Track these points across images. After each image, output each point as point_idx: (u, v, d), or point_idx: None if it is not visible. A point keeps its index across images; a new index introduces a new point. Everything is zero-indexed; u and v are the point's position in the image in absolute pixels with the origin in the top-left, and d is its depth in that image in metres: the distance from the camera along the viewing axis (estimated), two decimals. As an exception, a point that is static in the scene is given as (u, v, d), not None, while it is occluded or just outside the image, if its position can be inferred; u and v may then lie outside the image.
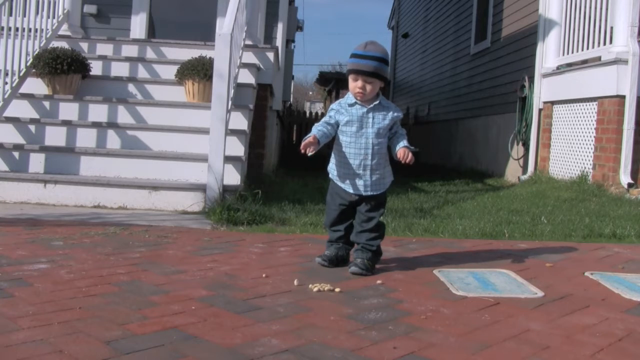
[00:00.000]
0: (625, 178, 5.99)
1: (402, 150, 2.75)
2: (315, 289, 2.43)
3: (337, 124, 2.79)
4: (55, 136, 5.15)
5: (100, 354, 1.71)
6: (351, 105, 2.78)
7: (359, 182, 2.80)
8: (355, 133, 2.76)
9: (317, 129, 2.74)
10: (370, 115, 2.77)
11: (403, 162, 2.73)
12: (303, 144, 2.64)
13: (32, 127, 5.20)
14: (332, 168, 2.88)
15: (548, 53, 7.52)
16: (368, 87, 2.73)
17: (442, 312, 2.21)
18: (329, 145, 2.86)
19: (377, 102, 2.79)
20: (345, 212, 2.86)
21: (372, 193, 2.81)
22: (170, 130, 5.14)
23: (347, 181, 2.81)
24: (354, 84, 2.74)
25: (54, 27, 6.37)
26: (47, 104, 5.54)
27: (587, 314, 2.25)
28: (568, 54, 7.15)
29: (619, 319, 2.21)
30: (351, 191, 2.81)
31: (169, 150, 5.04)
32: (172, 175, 4.72)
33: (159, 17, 8.08)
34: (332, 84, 23.36)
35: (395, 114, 2.82)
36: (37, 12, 5.89)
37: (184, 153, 4.92)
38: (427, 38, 14.67)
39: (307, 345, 1.84)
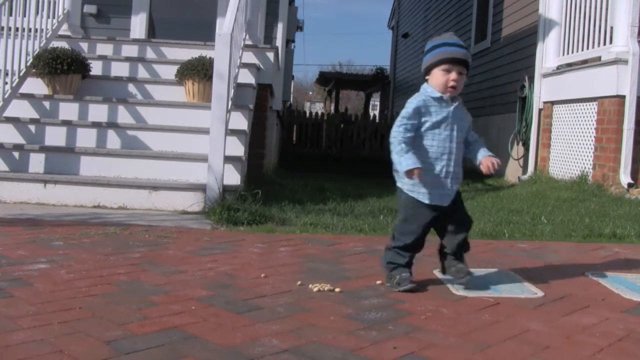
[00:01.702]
0: (625, 178, 5.98)
1: (487, 159, 2.49)
2: (315, 289, 2.43)
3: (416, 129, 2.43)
4: (55, 136, 5.15)
5: (100, 354, 1.71)
6: (437, 101, 2.44)
7: (443, 192, 2.47)
8: (441, 135, 2.44)
9: (408, 153, 2.36)
10: (456, 115, 2.46)
11: (486, 172, 2.49)
12: (415, 173, 2.33)
13: (32, 127, 5.20)
14: (407, 180, 2.44)
15: (548, 53, 7.52)
16: (461, 80, 2.43)
17: (442, 312, 2.21)
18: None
19: (460, 100, 2.49)
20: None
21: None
22: (170, 130, 5.14)
23: (432, 192, 2.46)
24: (447, 77, 2.41)
25: (54, 27, 6.37)
26: (47, 104, 5.54)
27: (587, 314, 2.25)
28: (568, 54, 7.15)
29: (619, 319, 2.21)
30: (435, 203, 2.46)
31: (169, 150, 5.04)
32: (172, 175, 4.72)
33: (159, 17, 8.08)
34: (332, 84, 23.41)
35: (470, 117, 2.56)
36: (37, 12, 5.89)
37: (184, 153, 4.92)
38: (427, 38, 14.67)
39: (307, 345, 1.84)
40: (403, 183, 2.48)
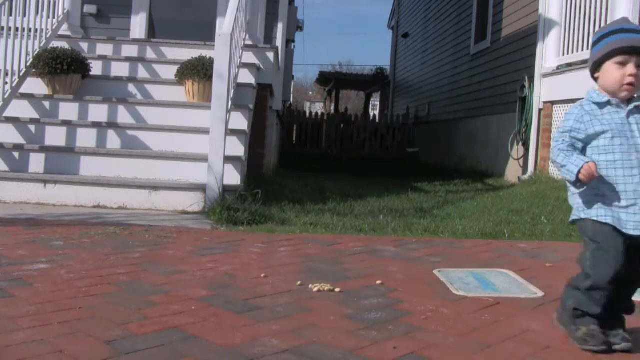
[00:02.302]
0: (625, 178, 5.98)
1: None
2: (315, 289, 2.44)
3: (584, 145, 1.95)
4: (55, 136, 5.14)
5: (100, 354, 1.71)
6: (602, 106, 1.96)
7: (637, 218, 1.88)
8: (623, 146, 1.90)
9: (573, 156, 1.90)
10: (633, 120, 1.93)
11: None
12: (589, 169, 1.85)
13: (32, 127, 5.20)
14: (584, 203, 1.95)
15: (548, 53, 7.51)
16: None
17: (442, 312, 2.21)
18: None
19: (638, 102, 1.96)
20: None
21: None
22: (170, 130, 5.14)
23: (624, 218, 1.88)
24: (621, 71, 1.91)
25: (54, 27, 6.36)
26: (47, 104, 5.53)
27: (587, 314, 2.25)
28: (568, 54, 7.14)
29: (619, 319, 2.21)
30: (629, 232, 1.87)
31: (169, 150, 5.03)
32: (172, 175, 4.71)
33: (159, 17, 8.08)
34: (332, 84, 23.41)
35: None
36: (37, 12, 5.89)
37: (184, 153, 4.92)
38: (427, 38, 14.68)
39: (307, 345, 1.84)
40: (586, 212, 1.94)
